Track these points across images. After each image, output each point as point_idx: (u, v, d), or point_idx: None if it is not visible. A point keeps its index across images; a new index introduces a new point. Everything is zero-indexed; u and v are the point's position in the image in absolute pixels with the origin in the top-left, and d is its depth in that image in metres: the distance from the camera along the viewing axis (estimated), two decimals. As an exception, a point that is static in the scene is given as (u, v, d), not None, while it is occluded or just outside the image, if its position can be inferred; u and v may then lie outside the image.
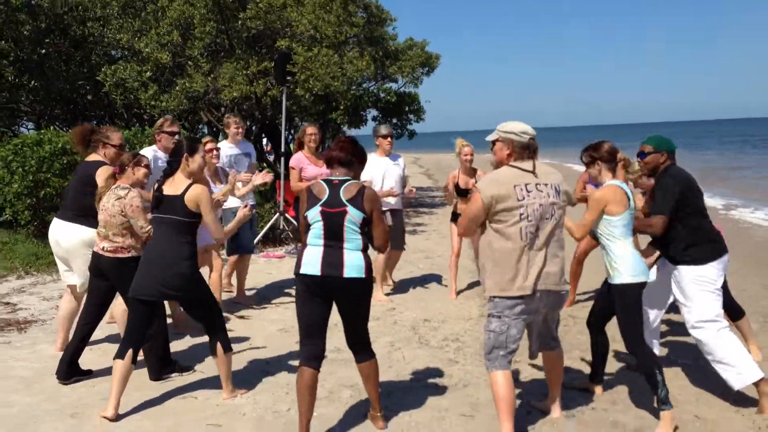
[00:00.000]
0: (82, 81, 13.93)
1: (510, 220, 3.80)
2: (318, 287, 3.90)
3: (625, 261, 4.14)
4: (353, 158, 4.07)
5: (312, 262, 3.89)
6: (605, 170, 4.34)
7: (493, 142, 4.08)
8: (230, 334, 5.43)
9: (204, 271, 6.68)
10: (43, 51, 12.85)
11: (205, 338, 5.71)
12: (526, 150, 3.96)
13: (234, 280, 7.58)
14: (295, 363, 5.16)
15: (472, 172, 7.35)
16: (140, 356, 4.87)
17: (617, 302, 4.21)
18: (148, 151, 6.06)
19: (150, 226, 4.69)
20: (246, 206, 4.91)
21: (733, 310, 5.33)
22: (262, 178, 6.13)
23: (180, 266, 4.31)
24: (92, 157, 5.35)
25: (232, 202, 6.67)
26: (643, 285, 4.18)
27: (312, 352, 3.96)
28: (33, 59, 12.75)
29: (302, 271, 3.92)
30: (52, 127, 12.89)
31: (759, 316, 6.49)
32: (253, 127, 14.64)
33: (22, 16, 12.22)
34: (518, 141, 3.95)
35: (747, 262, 9.29)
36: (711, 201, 17.25)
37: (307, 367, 3.92)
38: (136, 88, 11.63)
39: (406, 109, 17.80)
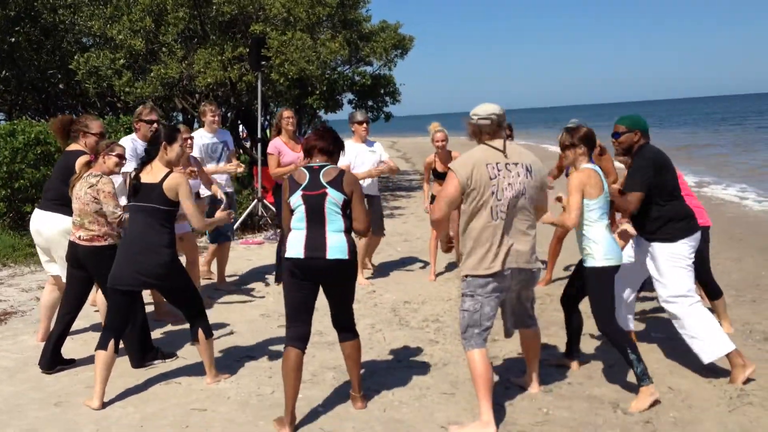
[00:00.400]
0: (54, 70, 13.77)
1: (482, 199, 3.87)
2: (303, 270, 3.97)
3: (598, 245, 4.24)
4: (333, 147, 4.15)
5: (296, 246, 3.97)
6: (581, 154, 4.41)
7: (469, 125, 4.15)
8: (212, 321, 5.47)
9: (181, 259, 6.74)
10: (13, 40, 12.67)
11: (187, 325, 5.77)
12: (497, 127, 4.03)
13: (214, 267, 7.61)
14: (277, 347, 5.25)
15: (447, 156, 7.41)
16: (121, 344, 4.92)
17: (589, 284, 4.32)
18: (127, 141, 6.03)
19: (120, 211, 4.70)
20: (229, 213, 4.92)
21: (711, 291, 5.46)
22: (235, 166, 6.14)
23: (159, 254, 4.32)
24: (72, 147, 5.33)
25: (205, 191, 6.71)
26: (615, 269, 4.28)
27: (298, 333, 4.03)
28: (3, 48, 12.57)
29: (287, 255, 3.99)
30: (24, 117, 12.74)
31: (731, 290, 6.64)
32: (229, 114, 14.57)
33: (-11, 4, 12.06)
34: (484, 124, 4.02)
35: (719, 238, 9.44)
36: (684, 178, 17.51)
37: (293, 348, 3.98)
38: (110, 75, 11.53)
39: (382, 91, 17.80)
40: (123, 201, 4.98)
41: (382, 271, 8.05)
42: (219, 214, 4.84)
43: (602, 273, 4.24)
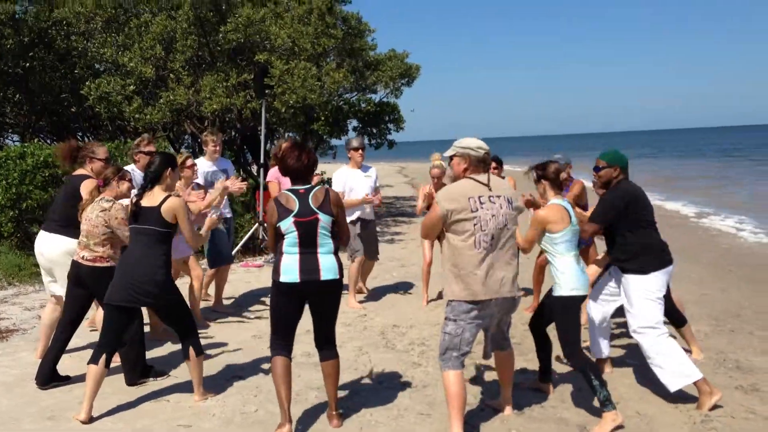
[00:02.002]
0: (66, 94, 14.15)
1: (465, 230, 4.09)
2: (297, 293, 4.24)
3: (565, 275, 4.45)
4: (309, 167, 4.38)
5: (290, 270, 4.21)
6: (549, 189, 4.65)
7: (451, 157, 4.39)
8: (205, 341, 5.71)
9: (185, 280, 6.97)
10: (27, 64, 13.05)
11: (179, 345, 5.99)
12: (482, 163, 4.27)
13: (212, 290, 7.84)
14: (265, 366, 5.46)
15: (442, 188, 7.62)
16: (118, 362, 5.15)
17: (556, 313, 4.53)
18: (128, 169, 6.29)
19: None
20: (219, 215, 5.21)
21: (675, 319, 5.63)
22: (236, 184, 6.41)
23: (155, 274, 4.56)
24: (79, 171, 5.63)
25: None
26: (581, 299, 4.49)
27: (283, 345, 4.33)
28: (17, 72, 12.96)
29: (281, 279, 4.23)
30: (36, 140, 13.10)
31: (712, 320, 6.81)
32: (236, 137, 14.86)
33: (6, 30, 12.43)
34: (474, 155, 4.25)
35: (709, 269, 9.65)
36: (684, 209, 17.68)
37: (280, 356, 4.27)
38: (120, 101, 11.87)
39: (386, 119, 18.09)
40: None
41: (376, 295, 8.25)
42: (207, 220, 5.17)
43: (568, 302, 4.45)
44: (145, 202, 4.66)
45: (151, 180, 4.74)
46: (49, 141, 15.50)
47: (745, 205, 18.38)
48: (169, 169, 4.76)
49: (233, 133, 14.77)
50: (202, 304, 7.54)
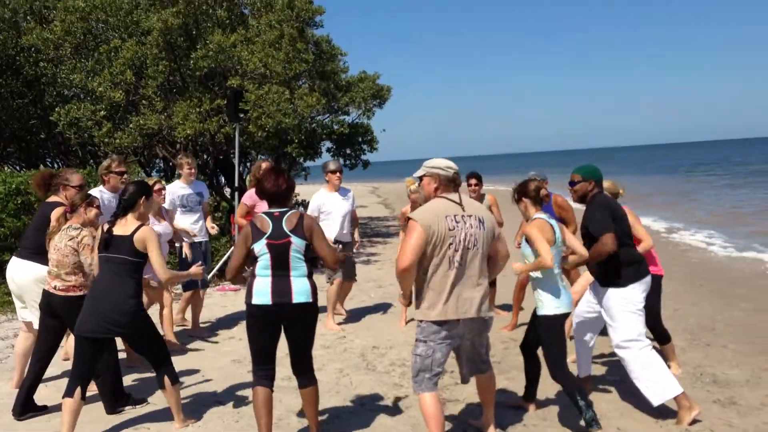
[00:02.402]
0: (35, 120, 14.02)
1: (440, 249, 4.06)
2: (269, 315, 4.20)
3: (549, 294, 4.49)
4: (286, 192, 4.37)
5: (262, 293, 4.19)
6: (530, 206, 4.70)
7: (421, 178, 4.41)
8: (183, 367, 5.64)
9: (155, 306, 6.92)
10: (-5, 91, 12.93)
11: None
12: (452, 183, 4.29)
13: (188, 314, 7.77)
14: (246, 392, 5.42)
15: None
16: (95, 389, 5.07)
17: (541, 332, 4.56)
18: (95, 192, 6.21)
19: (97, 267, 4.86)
20: (200, 265, 5.12)
21: (660, 335, 5.71)
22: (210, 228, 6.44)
23: (126, 303, 4.47)
24: (52, 198, 5.57)
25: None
26: (565, 316, 4.52)
27: (264, 373, 4.28)
28: (-16, 100, 12.83)
29: (254, 301, 4.21)
30: (6, 167, 12.93)
31: (687, 334, 6.92)
32: (209, 160, 14.82)
33: (-27, 58, 12.34)
34: (444, 175, 4.27)
35: (681, 283, 9.79)
36: (655, 224, 17.95)
37: (261, 387, 4.23)
38: (90, 126, 11.78)
39: (360, 139, 18.18)
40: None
41: (354, 317, 8.24)
42: (193, 269, 5.01)
43: (552, 320, 4.49)
44: (118, 230, 4.58)
45: (124, 208, 4.66)
46: (17, 168, 15.32)
47: (713, 219, 18.72)
48: (143, 197, 4.71)
49: (206, 157, 14.74)
50: (179, 329, 7.48)
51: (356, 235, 7.96)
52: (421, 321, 4.16)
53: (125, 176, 6.23)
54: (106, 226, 4.64)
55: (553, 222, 4.64)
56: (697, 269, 11.23)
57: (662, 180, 40.17)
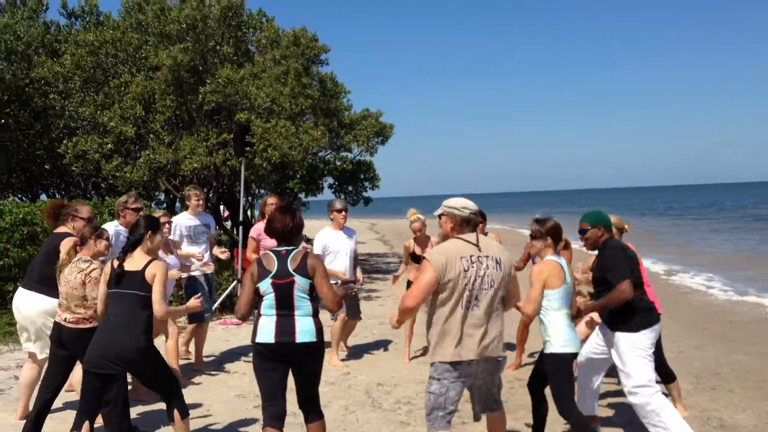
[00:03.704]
0: (41, 151, 14.13)
1: (455, 289, 4.09)
2: (273, 353, 4.22)
3: (557, 332, 4.52)
4: (293, 230, 4.41)
5: (266, 331, 4.22)
6: (547, 246, 4.74)
7: (440, 216, 4.46)
8: (188, 400, 5.60)
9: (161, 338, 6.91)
10: (2, 121, 13.04)
11: (162, 404, 5.89)
12: (468, 223, 4.34)
13: (192, 347, 7.76)
14: (252, 428, 5.40)
15: (425, 241, 7.74)
16: (100, 422, 5.05)
17: (549, 371, 4.58)
18: (110, 226, 6.25)
19: (100, 305, 4.78)
20: (198, 297, 5.08)
21: (665, 374, 5.72)
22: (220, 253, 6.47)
23: (137, 341, 4.45)
24: (60, 229, 5.59)
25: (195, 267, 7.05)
26: (573, 356, 4.55)
27: (274, 412, 4.27)
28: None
29: (258, 340, 4.24)
30: (11, 197, 12.99)
31: (692, 377, 6.91)
32: (211, 195, 14.91)
33: (-18, 88, 12.49)
34: (459, 215, 4.32)
35: (684, 326, 9.81)
36: (654, 266, 18.00)
37: (271, 428, 4.21)
38: (97, 159, 11.88)
39: (362, 177, 18.32)
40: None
41: (357, 353, 8.23)
42: (191, 302, 4.95)
43: (560, 359, 4.51)
44: (129, 265, 4.57)
45: (132, 243, 4.67)
46: (20, 198, 15.39)
47: (710, 263, 18.77)
48: (150, 231, 4.72)
49: (209, 191, 14.83)
50: (183, 362, 7.45)
51: (359, 273, 7.99)
52: (434, 360, 4.17)
53: (141, 212, 6.28)
54: (116, 262, 4.61)
55: (563, 262, 4.68)
56: (699, 312, 11.25)
57: (652, 223, 40.34)
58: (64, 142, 12.17)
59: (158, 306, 4.56)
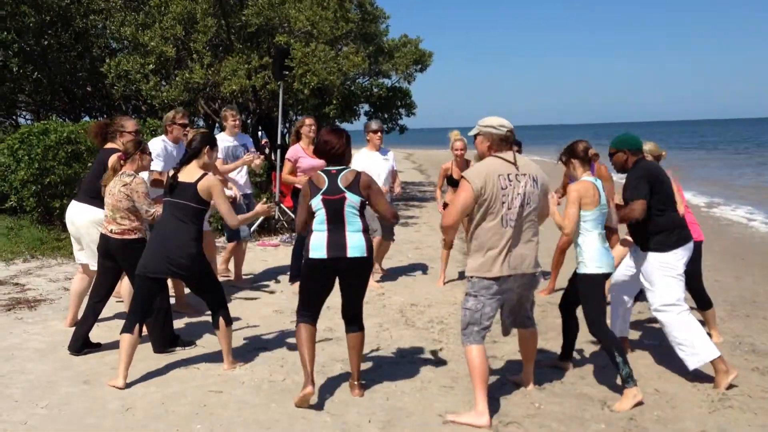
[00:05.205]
0: (83, 72, 14.27)
1: (493, 207, 4.16)
2: (325, 269, 4.35)
3: (591, 253, 4.54)
4: (344, 150, 4.47)
5: (318, 247, 4.33)
6: (579, 166, 4.73)
7: (475, 137, 4.46)
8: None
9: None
10: (46, 42, 13.16)
11: (203, 318, 6.15)
12: (505, 142, 4.34)
13: (231, 266, 7.96)
14: (290, 340, 5.60)
15: (465, 164, 7.72)
16: (145, 331, 5.28)
17: (581, 290, 4.62)
18: (158, 141, 6.46)
19: (154, 210, 5.07)
20: (265, 202, 5.28)
21: (702, 301, 5.74)
22: (256, 158, 6.61)
23: (189, 247, 4.70)
24: (109, 146, 5.78)
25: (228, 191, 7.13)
26: (606, 276, 4.58)
27: (309, 314, 4.47)
28: (35, 50, 13.07)
29: (311, 255, 4.35)
30: (53, 118, 13.22)
31: (727, 305, 6.91)
32: (249, 120, 14.98)
33: (26, 8, 12.54)
34: (497, 134, 4.33)
35: (723, 257, 9.74)
36: (695, 199, 17.78)
37: (304, 323, 4.41)
38: (138, 79, 11.98)
39: (398, 104, 18.19)
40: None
41: (392, 275, 8.37)
42: (260, 207, 5.19)
43: (593, 279, 4.54)
44: (182, 177, 4.80)
45: (189, 156, 4.88)
46: (62, 119, 15.65)
47: (752, 196, 18.45)
48: (208, 147, 4.91)
49: (247, 116, 14.89)
50: (222, 280, 7.67)
51: (397, 185, 7.95)
52: (472, 276, 4.25)
53: (187, 128, 6.46)
54: (171, 172, 4.87)
55: (598, 183, 4.67)
56: (739, 244, 11.14)
57: (692, 156, 39.52)
58: (106, 61, 12.26)
59: (229, 218, 4.91)
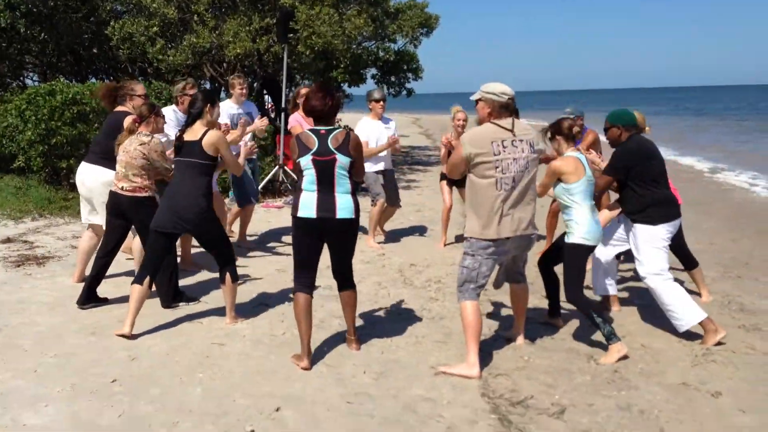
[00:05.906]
0: (88, 34, 14.30)
1: (487, 172, 4.30)
2: (313, 228, 4.44)
3: (579, 224, 4.68)
4: (330, 109, 4.48)
5: (308, 206, 4.42)
6: (563, 143, 4.85)
7: (477, 102, 4.57)
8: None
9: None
10: (52, 4, 13.18)
11: (208, 275, 6.34)
12: (505, 109, 4.45)
13: (236, 227, 8.12)
14: (290, 297, 5.75)
15: None
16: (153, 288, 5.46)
17: (565, 257, 4.78)
18: (169, 111, 6.63)
19: (171, 167, 5.25)
20: (247, 145, 5.52)
21: (687, 261, 5.90)
22: (261, 123, 6.74)
23: (198, 202, 4.90)
24: (120, 108, 5.91)
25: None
26: (591, 248, 4.74)
27: (305, 281, 4.54)
28: (42, 12, 13.11)
29: (299, 214, 4.44)
30: (62, 78, 13.31)
31: (720, 267, 7.05)
32: (255, 84, 15.01)
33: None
34: (498, 101, 4.43)
35: (722, 220, 9.86)
36: (698, 164, 17.81)
37: (301, 293, 4.49)
38: (143, 42, 12.03)
39: (405, 67, 18.14)
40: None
41: (393, 237, 8.51)
42: (242, 149, 5.52)
43: (578, 249, 4.70)
44: (188, 136, 4.98)
45: (193, 116, 5.04)
46: (69, 80, 15.73)
47: (757, 161, 18.44)
48: (209, 105, 5.06)
49: (253, 80, 14.92)
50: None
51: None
52: (470, 237, 4.40)
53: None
54: (177, 134, 5.07)
55: (581, 157, 4.79)
56: (739, 208, 11.21)
57: (698, 122, 39.32)
58: (111, 24, 12.30)
59: (235, 167, 5.28)
